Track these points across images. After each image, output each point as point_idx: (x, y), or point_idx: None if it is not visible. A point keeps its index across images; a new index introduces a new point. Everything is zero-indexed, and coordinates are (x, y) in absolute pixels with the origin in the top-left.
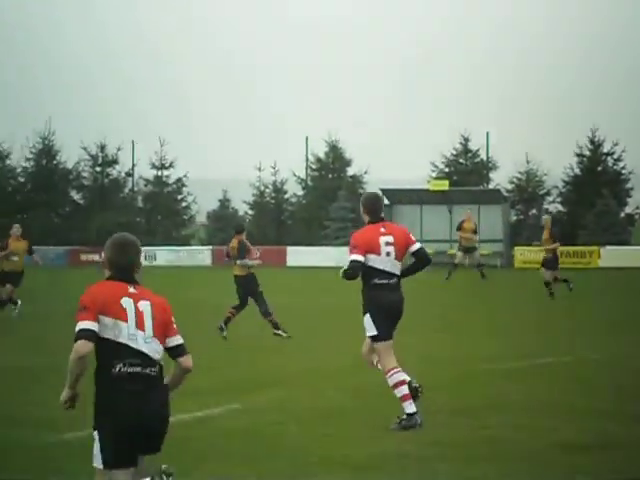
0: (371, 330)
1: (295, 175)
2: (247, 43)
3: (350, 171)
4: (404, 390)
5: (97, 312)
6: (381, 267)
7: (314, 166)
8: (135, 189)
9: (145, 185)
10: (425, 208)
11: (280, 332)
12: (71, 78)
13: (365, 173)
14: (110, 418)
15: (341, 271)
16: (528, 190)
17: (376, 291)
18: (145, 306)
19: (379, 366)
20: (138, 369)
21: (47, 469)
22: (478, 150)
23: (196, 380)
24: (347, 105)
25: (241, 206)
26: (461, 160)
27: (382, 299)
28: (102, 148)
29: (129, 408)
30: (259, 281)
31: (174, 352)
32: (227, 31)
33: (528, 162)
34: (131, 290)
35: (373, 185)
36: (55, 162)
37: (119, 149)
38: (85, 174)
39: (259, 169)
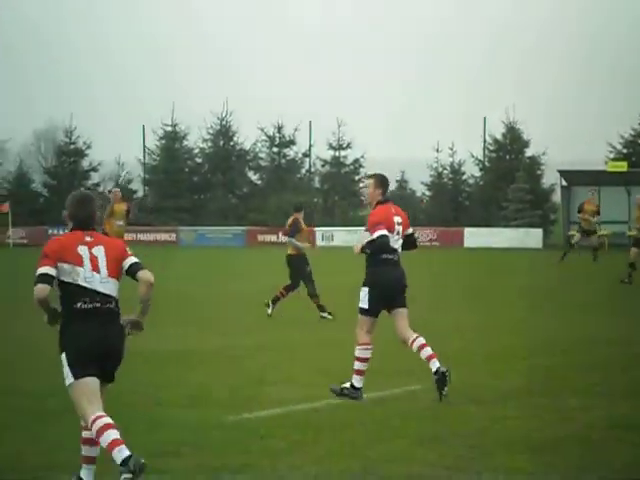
0: (363, 303)
1: (473, 156)
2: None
3: (528, 152)
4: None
5: (56, 260)
6: (392, 244)
7: (492, 147)
8: (312, 170)
9: (322, 166)
10: (603, 189)
11: (326, 315)
12: (247, 61)
13: (543, 154)
14: (75, 342)
15: (356, 246)
16: None
17: (382, 266)
18: (99, 250)
19: (413, 346)
20: (98, 305)
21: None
22: None
23: (375, 363)
24: (525, 87)
25: (418, 187)
26: None
27: (388, 275)
28: (279, 129)
29: (91, 334)
30: (309, 262)
31: (132, 270)
32: None
33: None
34: (87, 239)
35: (551, 167)
36: (232, 143)
37: (296, 130)
38: (262, 155)
39: (437, 150)
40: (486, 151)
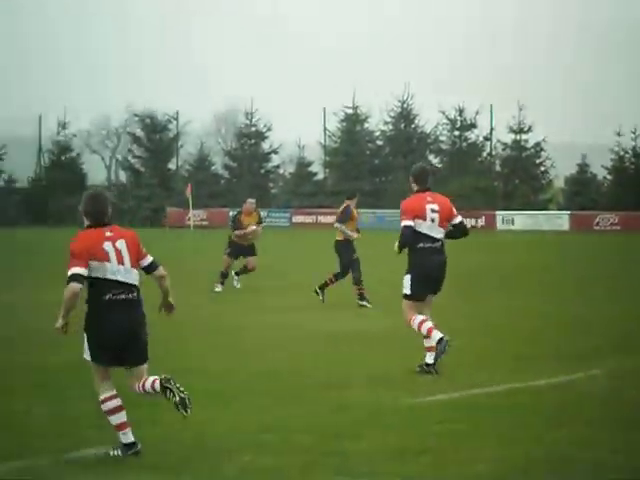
0: (406, 289)
1: None
2: None
3: None
4: (428, 325)
5: (87, 259)
6: (426, 232)
7: None
8: (493, 153)
9: (503, 149)
10: None
11: (365, 303)
12: (422, 45)
13: None
14: (100, 331)
15: (396, 246)
16: None
17: (420, 254)
18: (121, 244)
19: (415, 328)
20: (122, 296)
21: None
22: None
23: (558, 348)
24: None
25: (600, 171)
26: None
27: (425, 262)
28: (460, 112)
29: (115, 324)
30: (356, 248)
31: (149, 269)
32: None
33: None
34: (108, 234)
35: None
36: (413, 126)
37: (477, 113)
38: (443, 138)
39: (618, 134)
40: None
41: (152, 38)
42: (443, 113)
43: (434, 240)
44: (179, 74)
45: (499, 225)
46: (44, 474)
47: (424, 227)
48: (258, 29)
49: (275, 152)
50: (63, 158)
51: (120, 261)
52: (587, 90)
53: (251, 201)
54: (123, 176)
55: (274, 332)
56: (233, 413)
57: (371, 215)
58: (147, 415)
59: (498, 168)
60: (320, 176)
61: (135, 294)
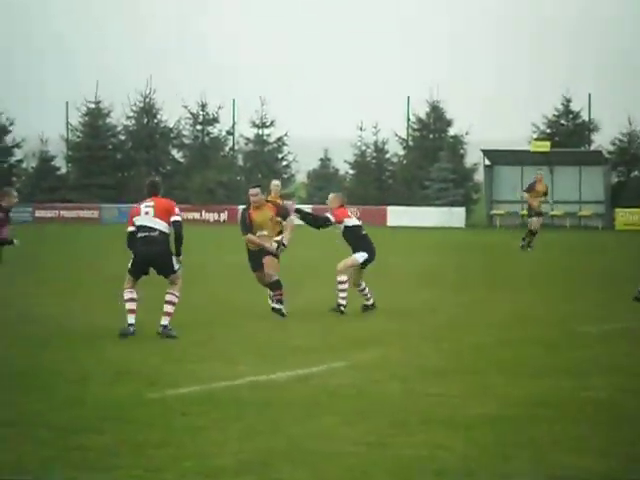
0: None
1: (396, 135)
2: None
3: (451, 131)
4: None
5: (131, 220)
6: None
7: (415, 126)
8: (236, 148)
9: (246, 144)
10: (526, 169)
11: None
12: (167, 44)
13: (466, 134)
14: (134, 255)
15: None
16: (630, 152)
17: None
18: (149, 204)
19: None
20: (146, 233)
21: None
22: (580, 111)
23: (299, 340)
24: (446, 64)
25: (342, 165)
26: (563, 121)
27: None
28: (203, 106)
29: (141, 251)
30: None
31: (174, 225)
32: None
33: (630, 124)
34: (148, 202)
35: (474, 145)
36: (156, 120)
37: (220, 107)
38: (186, 132)
39: (360, 129)
40: (410, 130)
41: None
42: (186, 107)
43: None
44: None
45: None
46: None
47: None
48: None
49: (18, 146)
50: None
51: (147, 213)
52: (325, 86)
53: (276, 183)
54: None
55: None
56: None
57: (115, 209)
58: None
59: (241, 162)
60: (63, 170)
61: (155, 233)
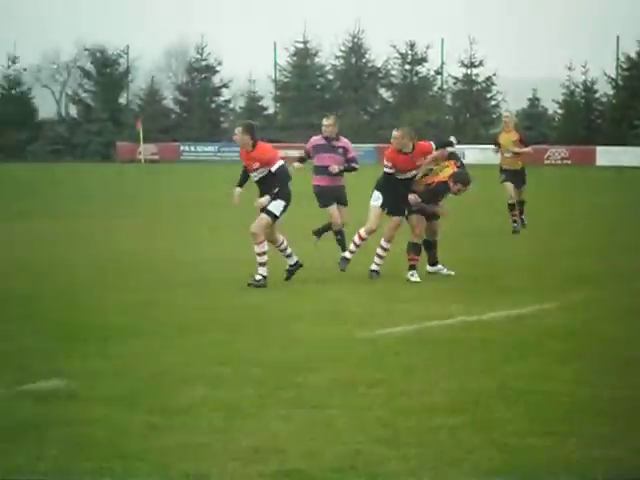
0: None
1: (605, 74)
2: None
3: None
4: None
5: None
6: None
7: (625, 65)
8: (444, 87)
9: (454, 83)
10: None
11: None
12: None
13: None
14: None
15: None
16: None
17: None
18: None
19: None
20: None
21: None
22: None
23: (509, 280)
24: None
25: (551, 105)
26: None
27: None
28: (411, 46)
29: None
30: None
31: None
32: None
33: None
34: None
35: None
36: (364, 60)
37: (428, 47)
38: (394, 72)
39: (569, 68)
40: (619, 69)
41: None
42: (394, 47)
43: None
44: (129, 8)
45: None
46: None
47: None
48: None
49: (226, 86)
50: (13, 92)
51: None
52: (537, 24)
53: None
54: (74, 110)
55: (231, 266)
56: (189, 346)
57: None
58: (98, 349)
59: (449, 102)
60: (271, 110)
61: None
